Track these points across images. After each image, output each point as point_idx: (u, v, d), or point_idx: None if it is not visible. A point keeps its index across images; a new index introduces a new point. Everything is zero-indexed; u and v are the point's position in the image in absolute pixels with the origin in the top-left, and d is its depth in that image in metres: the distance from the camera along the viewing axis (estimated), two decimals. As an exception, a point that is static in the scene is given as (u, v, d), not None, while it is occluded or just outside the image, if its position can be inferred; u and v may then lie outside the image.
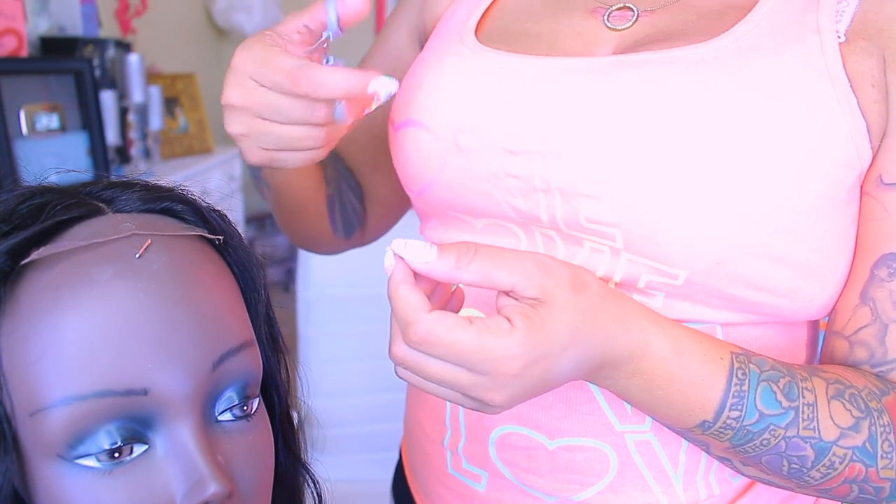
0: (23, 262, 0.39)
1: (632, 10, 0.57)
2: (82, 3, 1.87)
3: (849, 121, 0.49)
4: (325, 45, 0.51)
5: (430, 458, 0.65)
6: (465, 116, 0.56)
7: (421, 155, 0.59)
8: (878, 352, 0.51)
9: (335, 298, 1.58)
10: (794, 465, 0.48)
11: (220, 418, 0.42)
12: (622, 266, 0.53)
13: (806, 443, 0.47)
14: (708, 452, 0.51)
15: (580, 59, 0.55)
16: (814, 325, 0.60)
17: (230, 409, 0.42)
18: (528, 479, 0.58)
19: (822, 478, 0.48)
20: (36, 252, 0.39)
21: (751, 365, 0.48)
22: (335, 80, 0.47)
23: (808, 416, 0.47)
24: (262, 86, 0.49)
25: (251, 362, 0.43)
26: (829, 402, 0.48)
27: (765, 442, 0.47)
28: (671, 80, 0.51)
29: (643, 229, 0.51)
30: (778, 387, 0.48)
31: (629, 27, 0.57)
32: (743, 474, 0.52)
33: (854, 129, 0.49)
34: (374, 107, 0.49)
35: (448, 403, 0.62)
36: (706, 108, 0.49)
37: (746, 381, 0.47)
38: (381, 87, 0.47)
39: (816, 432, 0.47)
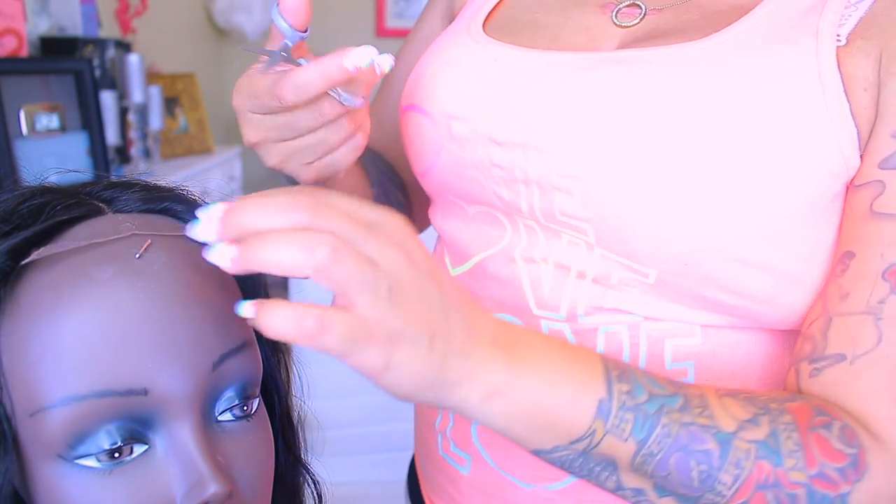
0: (23, 262, 0.39)
1: (640, 7, 0.58)
2: (82, 3, 1.87)
3: (837, 128, 0.48)
4: (284, 55, 0.50)
5: (426, 441, 0.68)
6: (458, 105, 0.58)
7: (422, 139, 0.61)
8: (819, 346, 0.49)
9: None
10: (702, 467, 0.43)
11: (220, 418, 0.42)
12: (595, 261, 0.54)
13: (706, 433, 0.43)
14: (623, 492, 0.46)
15: (569, 53, 0.56)
16: None
17: (230, 409, 0.42)
18: (507, 466, 0.60)
19: (733, 482, 0.44)
20: (36, 252, 0.39)
21: (624, 364, 0.46)
22: (309, 76, 0.46)
23: (700, 404, 0.44)
24: (263, 114, 0.50)
25: (251, 362, 0.43)
26: (719, 398, 0.45)
27: (665, 431, 0.43)
28: (648, 79, 0.51)
29: (612, 226, 0.51)
30: (658, 376, 0.45)
31: (635, 24, 0.58)
32: None
33: (843, 137, 0.48)
34: (378, 75, 0.47)
35: None
36: (680, 108, 0.49)
37: (625, 368, 0.45)
38: (360, 58, 0.45)
39: (713, 421, 0.44)
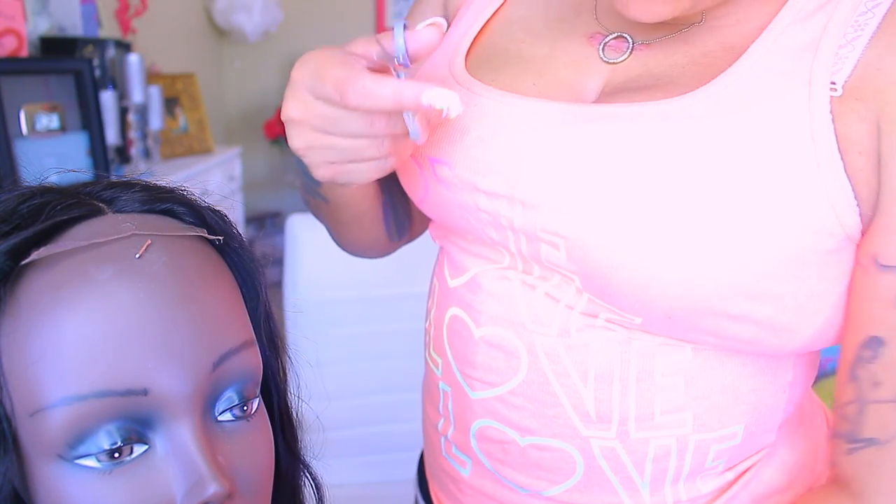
0: (23, 262, 0.39)
1: (627, 41, 0.56)
2: (82, 3, 1.87)
3: (829, 185, 0.46)
4: (393, 70, 0.49)
5: (431, 441, 0.69)
6: (440, 150, 0.57)
7: (409, 177, 0.62)
8: (855, 428, 0.51)
9: (322, 302, 1.58)
10: None
11: (220, 418, 0.42)
12: (583, 302, 0.54)
13: None
14: None
15: (555, 104, 0.54)
16: (805, 363, 0.59)
17: (230, 409, 0.42)
18: (503, 471, 0.60)
19: None
20: (36, 252, 0.39)
21: None
22: (384, 91, 0.45)
23: None
24: (319, 98, 0.48)
25: (251, 362, 0.43)
26: None
27: None
28: (633, 139, 0.50)
29: (596, 282, 0.52)
30: None
31: (622, 61, 0.56)
32: None
33: (835, 195, 0.46)
34: (444, 118, 0.46)
35: (441, 392, 0.64)
36: (663, 169, 0.48)
37: None
38: (438, 100, 0.44)
39: None
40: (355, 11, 3.51)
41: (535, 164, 0.53)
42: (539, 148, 0.53)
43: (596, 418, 0.55)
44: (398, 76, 0.48)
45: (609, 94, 0.55)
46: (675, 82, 0.52)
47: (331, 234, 0.75)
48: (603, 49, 0.57)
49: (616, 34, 0.57)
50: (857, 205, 0.47)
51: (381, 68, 0.49)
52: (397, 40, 0.47)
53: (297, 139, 0.51)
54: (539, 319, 0.56)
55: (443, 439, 0.66)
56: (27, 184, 0.45)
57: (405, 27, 0.47)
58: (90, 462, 0.38)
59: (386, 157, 0.50)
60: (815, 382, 0.63)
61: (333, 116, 0.48)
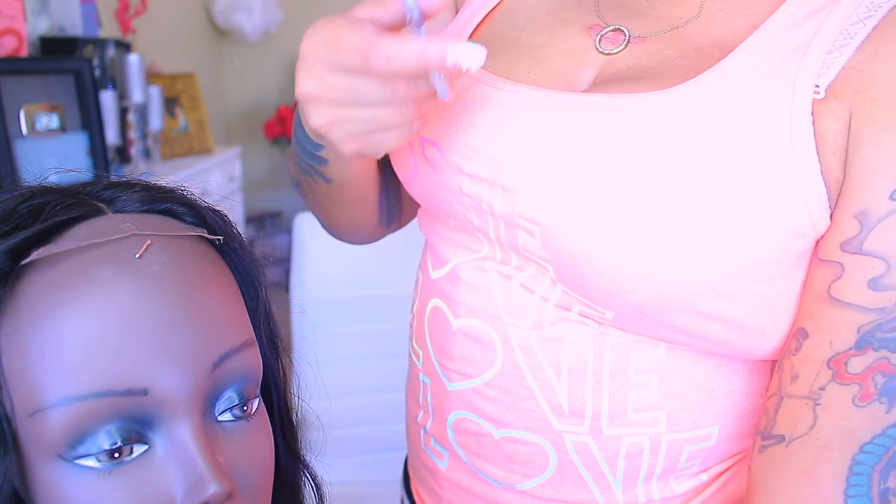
0: (23, 262, 0.39)
1: (624, 33, 0.57)
2: (82, 3, 1.87)
3: (804, 187, 0.46)
4: (410, 25, 0.47)
5: (412, 434, 0.69)
6: (431, 131, 0.58)
7: (399, 158, 0.62)
8: (770, 423, 0.51)
9: (329, 301, 1.58)
10: None
11: (220, 418, 0.42)
12: (557, 294, 0.55)
13: None
14: None
15: (544, 92, 0.55)
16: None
17: (230, 409, 0.42)
18: (479, 464, 0.61)
19: None
20: (36, 252, 0.39)
21: None
22: (408, 52, 0.43)
23: None
24: (335, 69, 0.46)
25: (251, 362, 0.43)
26: None
27: None
28: (613, 130, 0.50)
29: (569, 272, 0.52)
30: None
31: (617, 53, 0.56)
32: None
33: (810, 196, 0.47)
34: (464, 72, 0.44)
35: (421, 384, 0.65)
36: (642, 163, 0.48)
37: None
38: (463, 56, 0.42)
39: None
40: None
41: (517, 150, 0.53)
42: (522, 135, 0.54)
43: (569, 412, 0.56)
44: (419, 32, 0.46)
45: (599, 85, 0.55)
46: (663, 76, 0.52)
47: (321, 217, 0.74)
48: (599, 40, 0.57)
49: (614, 27, 0.58)
50: (829, 207, 0.47)
51: (389, 32, 0.47)
52: (408, 1, 0.45)
53: (317, 116, 0.49)
54: (514, 311, 0.56)
55: (422, 432, 0.66)
56: (27, 184, 0.45)
57: None
58: (90, 462, 0.38)
59: (411, 121, 0.49)
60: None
61: (353, 87, 0.46)
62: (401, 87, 0.46)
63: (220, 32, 3.36)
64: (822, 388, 0.48)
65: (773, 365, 0.56)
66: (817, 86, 0.47)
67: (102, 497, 0.38)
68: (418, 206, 0.71)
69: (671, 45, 0.55)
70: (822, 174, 0.47)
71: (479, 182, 0.55)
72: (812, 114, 0.47)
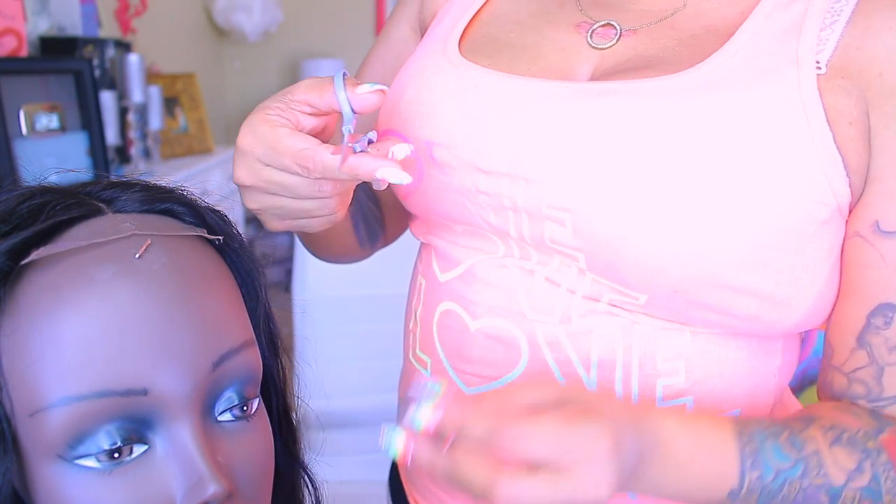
0: (23, 262, 0.39)
1: (615, 28, 0.58)
2: (82, 3, 1.87)
3: (822, 156, 0.49)
4: (343, 140, 0.50)
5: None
6: (439, 132, 0.58)
7: (402, 163, 0.60)
8: (874, 390, 0.53)
9: (332, 299, 1.58)
10: None
11: (219, 418, 0.42)
12: (587, 284, 0.55)
13: (819, 490, 0.49)
14: None
15: (554, 82, 0.56)
16: (789, 349, 0.60)
17: (230, 409, 0.42)
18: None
19: None
20: (36, 252, 0.39)
21: (751, 425, 0.50)
22: (343, 168, 0.47)
23: (817, 464, 0.49)
24: (269, 166, 0.50)
25: (251, 362, 0.43)
26: (830, 449, 0.50)
27: (785, 497, 0.49)
28: (636, 113, 0.51)
29: (603, 257, 0.52)
30: (782, 441, 0.49)
31: (610, 46, 0.57)
32: None
33: (828, 165, 0.49)
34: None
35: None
36: (668, 142, 0.50)
37: (754, 440, 0.49)
38: (391, 176, 0.47)
39: (826, 479, 0.49)
40: (355, 11, 3.51)
41: (540, 140, 0.53)
42: (543, 124, 0.54)
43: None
44: (354, 150, 0.49)
45: (600, 77, 0.56)
46: (667, 62, 0.54)
47: (304, 244, 0.76)
48: (591, 36, 0.58)
49: (603, 22, 0.58)
50: (847, 175, 0.50)
51: (322, 114, 0.50)
52: (339, 95, 0.48)
53: (250, 202, 0.54)
54: (539, 307, 0.56)
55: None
56: (27, 184, 0.45)
57: (345, 76, 0.49)
58: (90, 462, 0.38)
59: (333, 211, 0.53)
60: (801, 390, 0.63)
61: (285, 183, 0.50)
62: (326, 187, 0.50)
63: (220, 32, 3.36)
64: None
65: (784, 345, 0.58)
66: (818, 62, 0.50)
67: (102, 497, 0.38)
68: (409, 218, 0.69)
69: (665, 34, 0.56)
70: (835, 143, 0.49)
71: (499, 177, 0.55)
72: (818, 88, 0.49)
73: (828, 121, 0.49)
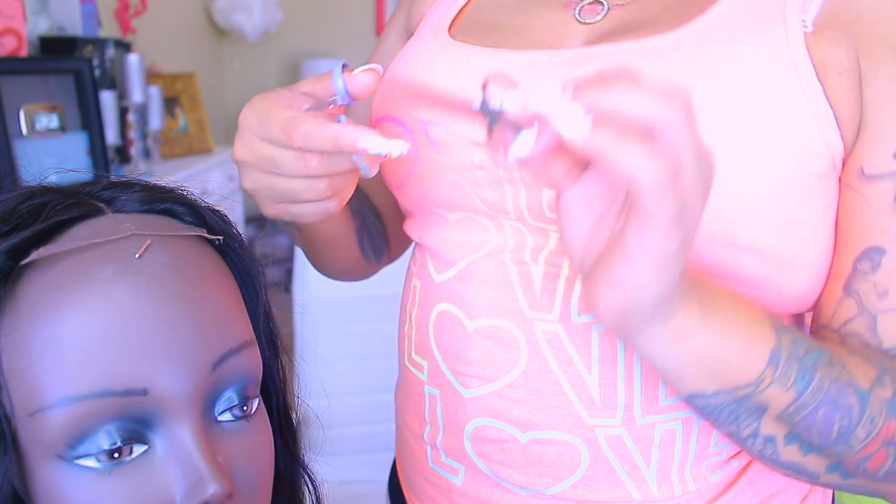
0: (23, 262, 0.39)
1: (602, 3, 0.59)
2: (82, 2, 1.87)
3: (813, 109, 0.49)
4: (330, 107, 0.52)
5: (413, 453, 0.67)
6: (434, 111, 0.58)
7: (395, 162, 0.61)
8: (871, 342, 0.51)
9: (332, 300, 1.58)
10: (844, 421, 0.47)
11: (220, 418, 0.42)
12: None
13: (849, 388, 0.47)
14: (754, 440, 0.49)
15: (544, 51, 0.56)
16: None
17: (230, 409, 0.42)
18: (502, 472, 0.59)
19: (865, 437, 0.47)
20: (36, 252, 0.39)
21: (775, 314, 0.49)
22: (325, 133, 0.48)
23: (838, 360, 0.47)
24: (262, 140, 0.50)
25: (251, 362, 0.43)
26: (849, 356, 0.48)
27: (819, 384, 0.46)
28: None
29: None
30: (801, 332, 0.48)
31: (599, 21, 0.58)
32: (779, 462, 0.51)
33: (821, 118, 0.49)
34: (385, 157, 0.49)
35: (427, 397, 0.63)
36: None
37: (783, 323, 0.47)
38: (373, 145, 0.48)
39: (852, 378, 0.47)
40: (355, 11, 3.51)
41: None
42: (539, 90, 0.54)
43: (601, 405, 0.55)
44: (338, 120, 0.50)
45: (590, 45, 0.57)
46: (656, 25, 0.55)
47: (309, 260, 0.76)
48: (579, 12, 0.59)
49: (590, 0, 0.59)
50: (838, 127, 0.50)
51: (323, 112, 0.51)
52: (336, 82, 0.51)
53: (245, 180, 0.54)
54: (538, 304, 0.55)
55: (429, 448, 0.64)
56: (27, 184, 0.45)
57: (344, 68, 0.51)
58: (90, 462, 0.38)
59: (325, 199, 0.53)
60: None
61: (272, 155, 0.50)
62: (313, 161, 0.50)
63: (220, 32, 3.36)
64: None
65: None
66: (804, 21, 0.50)
67: (102, 497, 0.38)
68: (407, 218, 0.69)
69: (652, 3, 0.57)
70: (826, 96, 0.50)
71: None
72: (806, 45, 0.50)
73: (817, 75, 0.50)
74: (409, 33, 0.72)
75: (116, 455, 0.38)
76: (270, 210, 0.55)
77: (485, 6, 0.65)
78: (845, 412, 0.47)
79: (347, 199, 0.56)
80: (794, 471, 0.50)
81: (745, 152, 0.49)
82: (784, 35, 0.50)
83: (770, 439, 0.49)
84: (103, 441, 0.38)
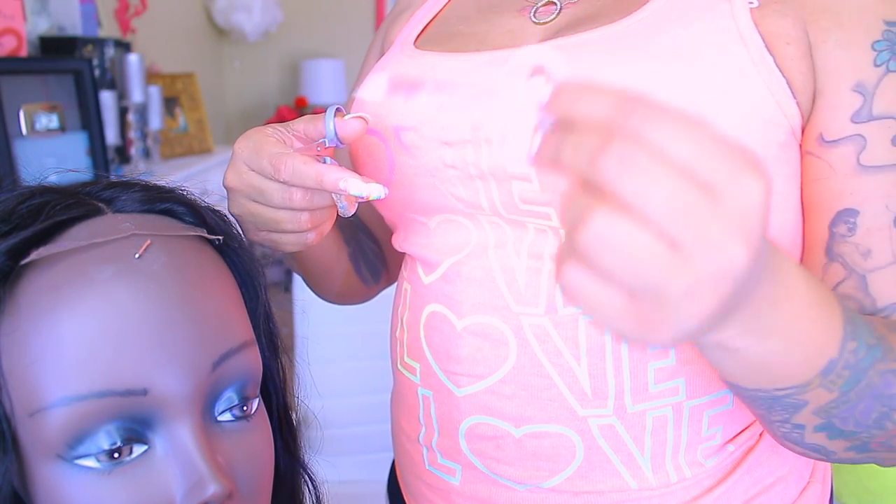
0: (23, 262, 0.39)
1: (555, 3, 0.61)
2: (82, 2, 1.87)
3: (767, 79, 0.50)
4: (318, 148, 0.56)
5: (409, 456, 0.67)
6: (405, 116, 0.60)
7: (373, 159, 0.63)
8: (865, 302, 0.51)
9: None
10: (883, 409, 0.45)
11: (219, 418, 0.42)
12: None
13: (894, 376, 0.44)
14: (782, 424, 0.46)
15: (503, 50, 0.59)
16: None
17: (230, 409, 0.42)
18: (498, 469, 0.60)
19: None
20: (36, 252, 0.39)
21: (850, 311, 0.46)
22: (309, 172, 0.52)
23: (889, 347, 0.45)
24: (252, 170, 0.54)
25: (251, 362, 0.43)
26: (891, 334, 0.46)
27: (869, 382, 0.43)
28: (584, 60, 0.53)
29: None
30: (868, 321, 0.45)
31: (553, 19, 0.60)
32: (801, 444, 0.48)
33: (775, 87, 0.50)
34: (365, 199, 0.53)
35: (420, 399, 0.63)
36: (619, 83, 0.50)
37: (848, 310, 0.43)
38: (353, 187, 0.52)
39: None
40: (355, 11, 3.51)
41: (496, 101, 0.54)
42: (498, 87, 0.55)
43: (592, 395, 0.55)
44: (324, 160, 0.55)
45: (546, 40, 0.59)
46: (607, 16, 0.56)
47: (307, 285, 0.77)
48: (534, 14, 0.62)
49: (545, 1, 0.62)
50: (793, 95, 0.51)
51: (314, 151, 0.56)
52: (328, 125, 0.55)
53: (233, 205, 0.57)
54: (524, 299, 0.56)
55: (425, 451, 0.64)
56: (27, 184, 0.45)
57: (336, 112, 0.56)
58: (90, 462, 0.38)
59: (305, 230, 0.56)
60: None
61: (259, 185, 0.54)
62: (297, 196, 0.54)
63: (220, 32, 3.36)
64: None
65: None
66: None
67: (102, 497, 0.38)
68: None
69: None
70: (777, 66, 0.51)
71: (463, 146, 0.56)
72: (753, 20, 0.51)
73: (766, 46, 0.51)
74: (383, 49, 0.75)
75: (116, 455, 0.38)
76: (253, 236, 0.59)
77: (447, 19, 0.68)
78: (886, 401, 0.44)
79: (326, 233, 0.59)
80: (812, 451, 0.49)
81: None
82: (730, 11, 0.52)
83: (799, 427, 0.46)
84: (103, 441, 0.38)
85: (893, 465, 0.51)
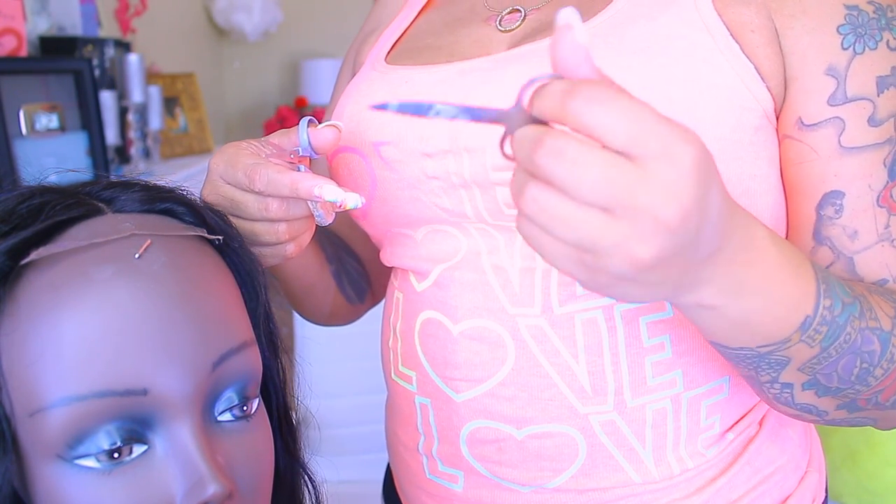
0: (22, 262, 0.39)
1: (520, 10, 0.62)
2: (82, 2, 1.87)
3: (735, 66, 0.51)
4: (291, 156, 0.56)
5: (408, 466, 0.66)
6: (383, 131, 0.60)
7: (354, 176, 0.62)
8: (857, 281, 0.52)
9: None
10: (864, 365, 0.48)
11: (219, 418, 0.42)
12: None
13: (873, 334, 0.47)
14: (771, 385, 0.49)
15: (474, 60, 0.59)
16: None
17: (230, 409, 0.42)
18: (501, 472, 0.59)
19: (882, 375, 0.48)
20: (35, 252, 0.39)
21: (825, 271, 0.48)
22: (283, 180, 0.51)
23: (868, 305, 0.48)
24: (228, 183, 0.54)
25: (251, 362, 0.43)
26: (872, 296, 0.49)
27: (847, 338, 0.46)
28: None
29: None
30: (845, 282, 0.48)
31: (519, 26, 0.61)
32: (793, 405, 0.50)
33: (743, 73, 0.51)
34: (340, 207, 0.53)
35: (418, 408, 0.63)
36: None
37: (821, 270, 0.47)
38: (328, 193, 0.51)
39: (878, 322, 0.48)
40: (355, 11, 3.51)
41: None
42: (473, 95, 0.56)
43: (592, 392, 0.56)
44: (298, 168, 0.55)
45: (515, 47, 0.59)
46: None
47: (295, 309, 0.77)
48: (500, 22, 0.63)
49: (509, 9, 0.63)
50: (762, 80, 0.52)
51: (288, 163, 0.55)
52: (301, 135, 0.55)
53: None
54: (519, 300, 0.56)
55: (425, 459, 0.64)
56: (26, 184, 0.45)
57: (309, 123, 0.55)
58: (90, 462, 0.38)
59: (283, 242, 0.56)
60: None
61: (237, 199, 0.54)
62: (273, 205, 0.53)
63: (220, 32, 3.36)
64: (888, 226, 0.52)
65: None
66: None
67: (102, 497, 0.38)
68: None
69: (565, 2, 0.59)
70: (744, 53, 0.52)
71: (443, 156, 0.56)
72: (715, 10, 0.52)
73: (731, 34, 0.52)
74: (355, 68, 0.75)
75: (116, 455, 0.38)
76: None
77: (416, 35, 0.69)
78: (866, 357, 0.47)
79: (305, 244, 0.58)
80: (805, 411, 0.51)
81: (679, 119, 0.48)
82: (693, 4, 0.53)
83: (788, 386, 0.49)
84: (103, 441, 0.38)
85: (889, 428, 0.53)
